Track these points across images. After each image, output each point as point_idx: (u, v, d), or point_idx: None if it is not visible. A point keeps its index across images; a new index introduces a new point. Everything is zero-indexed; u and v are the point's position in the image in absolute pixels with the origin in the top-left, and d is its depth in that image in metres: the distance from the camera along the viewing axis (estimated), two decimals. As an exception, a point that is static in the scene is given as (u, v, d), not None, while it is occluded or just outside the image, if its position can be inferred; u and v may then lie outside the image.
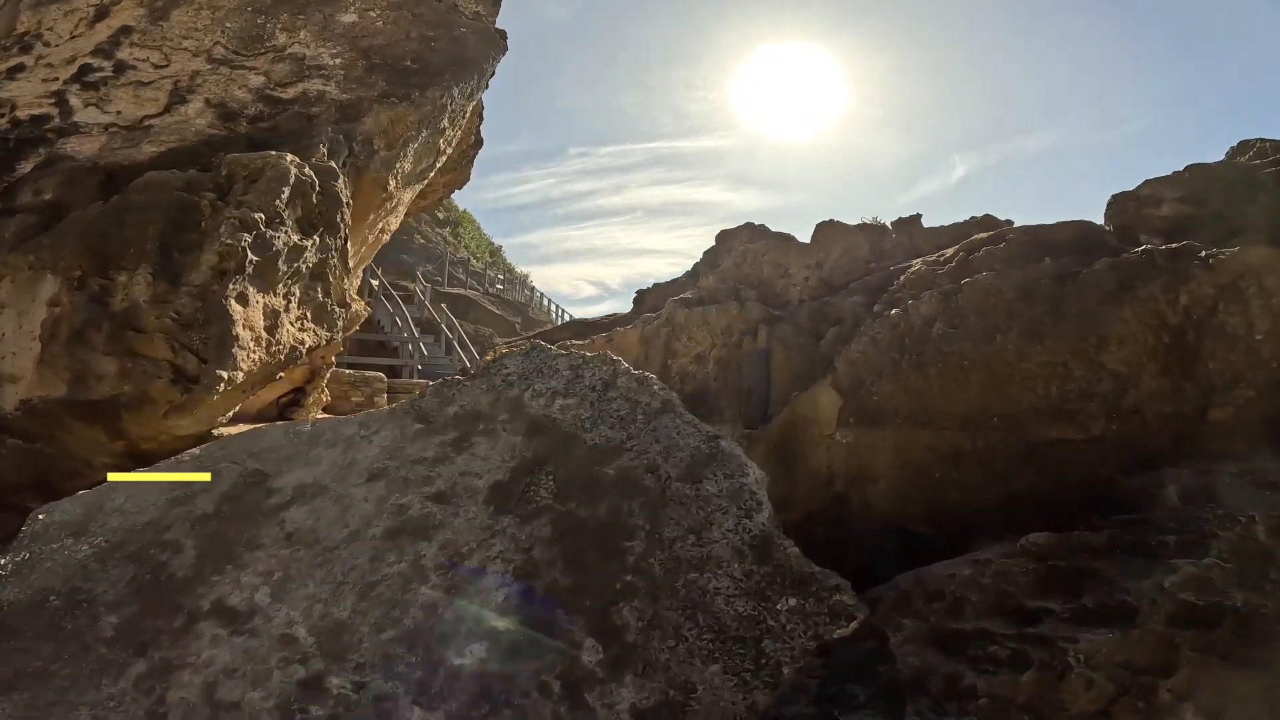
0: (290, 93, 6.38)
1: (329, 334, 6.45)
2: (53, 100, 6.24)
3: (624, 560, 2.82)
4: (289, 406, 7.95)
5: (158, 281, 4.52)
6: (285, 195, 4.82)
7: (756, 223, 6.18)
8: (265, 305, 5.19)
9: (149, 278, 4.52)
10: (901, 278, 4.27)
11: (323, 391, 8.31)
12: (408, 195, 7.91)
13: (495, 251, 28.97)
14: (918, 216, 5.86)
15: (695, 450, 3.34)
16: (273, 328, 5.29)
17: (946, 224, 5.85)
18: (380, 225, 8.02)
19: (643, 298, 7.62)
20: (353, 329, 11.34)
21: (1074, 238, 3.98)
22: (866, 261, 5.48)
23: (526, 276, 28.53)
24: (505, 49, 8.26)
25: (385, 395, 12.12)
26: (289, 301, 5.60)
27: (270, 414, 7.85)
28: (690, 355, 5.67)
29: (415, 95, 6.45)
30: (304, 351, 5.92)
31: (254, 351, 5.15)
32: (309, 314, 6.03)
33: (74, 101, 6.25)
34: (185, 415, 4.87)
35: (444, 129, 7.09)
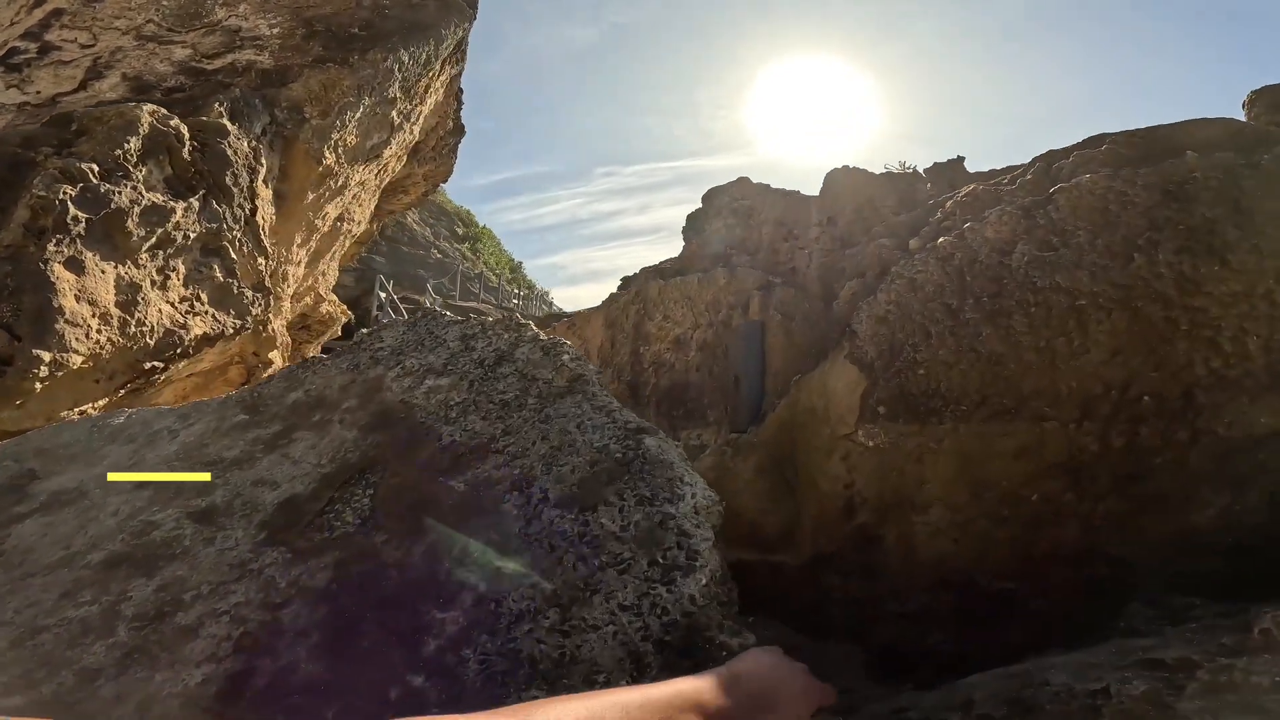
0: (216, 64, 5.43)
1: (237, 322, 5.35)
2: None
3: (417, 651, 1.47)
4: None
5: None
6: (131, 145, 3.75)
7: (756, 180, 4.87)
8: (117, 276, 4.09)
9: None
10: (947, 204, 2.87)
11: None
12: (361, 175, 6.85)
13: (515, 268, 28.37)
14: (959, 160, 4.44)
15: (600, 455, 2.00)
16: (129, 304, 4.18)
17: (1000, 168, 4.40)
18: (333, 211, 6.98)
19: (629, 283, 6.33)
20: (328, 333, 10.42)
21: (1214, 138, 2.52)
22: (893, 213, 4.08)
23: (546, 293, 27.73)
24: (473, 16, 7.24)
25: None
26: (165, 277, 4.50)
27: None
28: (667, 339, 4.32)
29: (354, 59, 5.43)
30: (189, 340, 4.79)
31: (97, 331, 4.02)
32: (203, 295, 4.93)
33: None
34: (6, 405, 3.74)
35: (394, 98, 6.04)
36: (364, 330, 3.40)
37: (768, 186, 4.89)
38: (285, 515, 2.08)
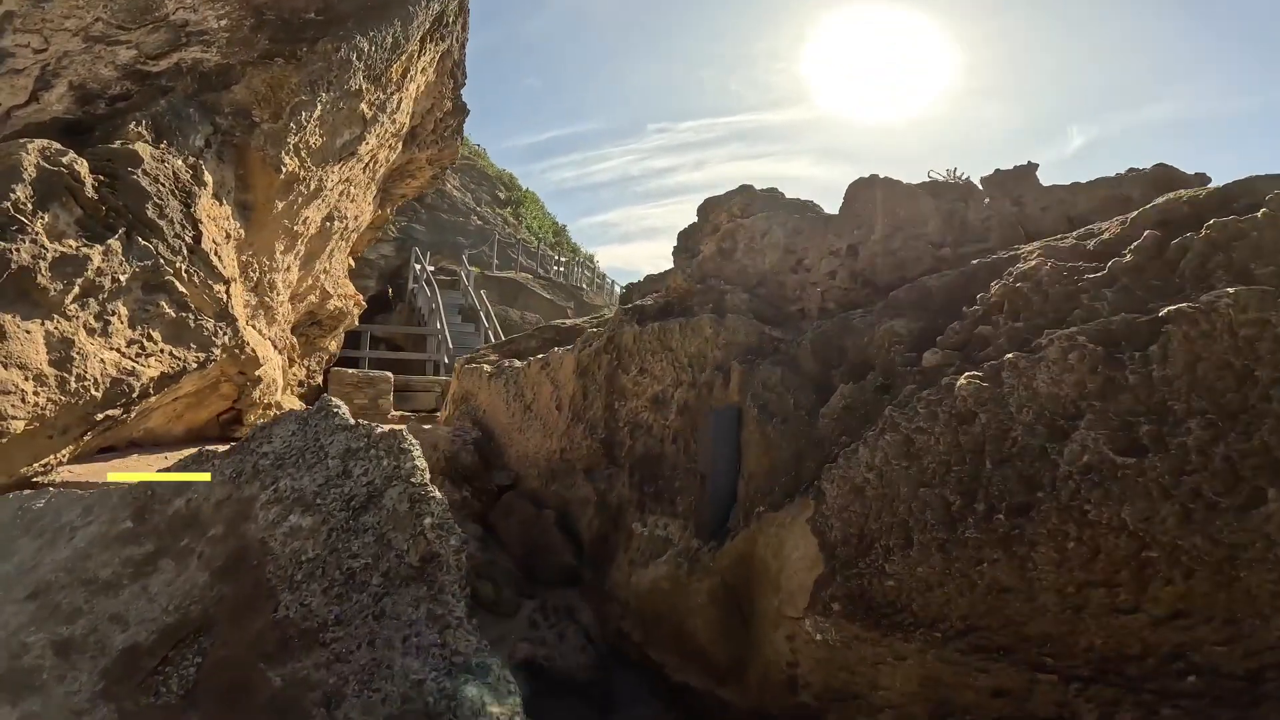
0: (161, 65, 4.88)
1: (200, 355, 4.99)
2: None
3: None
4: (231, 424, 6.73)
5: None
6: (18, 194, 3.28)
7: (762, 186, 3.97)
8: (46, 333, 3.71)
9: None
10: (996, 286, 1.99)
11: (268, 408, 6.99)
12: (340, 174, 6.28)
13: (559, 231, 27.61)
14: (1030, 169, 3.36)
15: (412, 693, 1.57)
16: (63, 360, 3.81)
17: (1083, 181, 3.32)
18: (315, 214, 6.48)
19: (629, 295, 5.58)
20: (341, 326, 10.14)
21: None
22: (936, 245, 3.16)
23: (591, 258, 26.93)
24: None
25: (391, 396, 10.90)
26: (105, 323, 4.12)
27: (211, 432, 6.66)
28: (644, 396, 3.66)
29: (301, 51, 4.75)
30: (143, 384, 4.45)
31: (34, 394, 3.70)
32: (154, 334, 4.55)
33: None
34: None
35: (359, 90, 5.36)
36: (260, 424, 2.90)
37: (776, 196, 4.01)
38: (124, 665, 1.98)
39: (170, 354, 4.70)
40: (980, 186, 3.60)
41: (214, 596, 2.16)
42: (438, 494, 2.10)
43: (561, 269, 22.68)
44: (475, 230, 23.04)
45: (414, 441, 2.40)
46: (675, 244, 4.18)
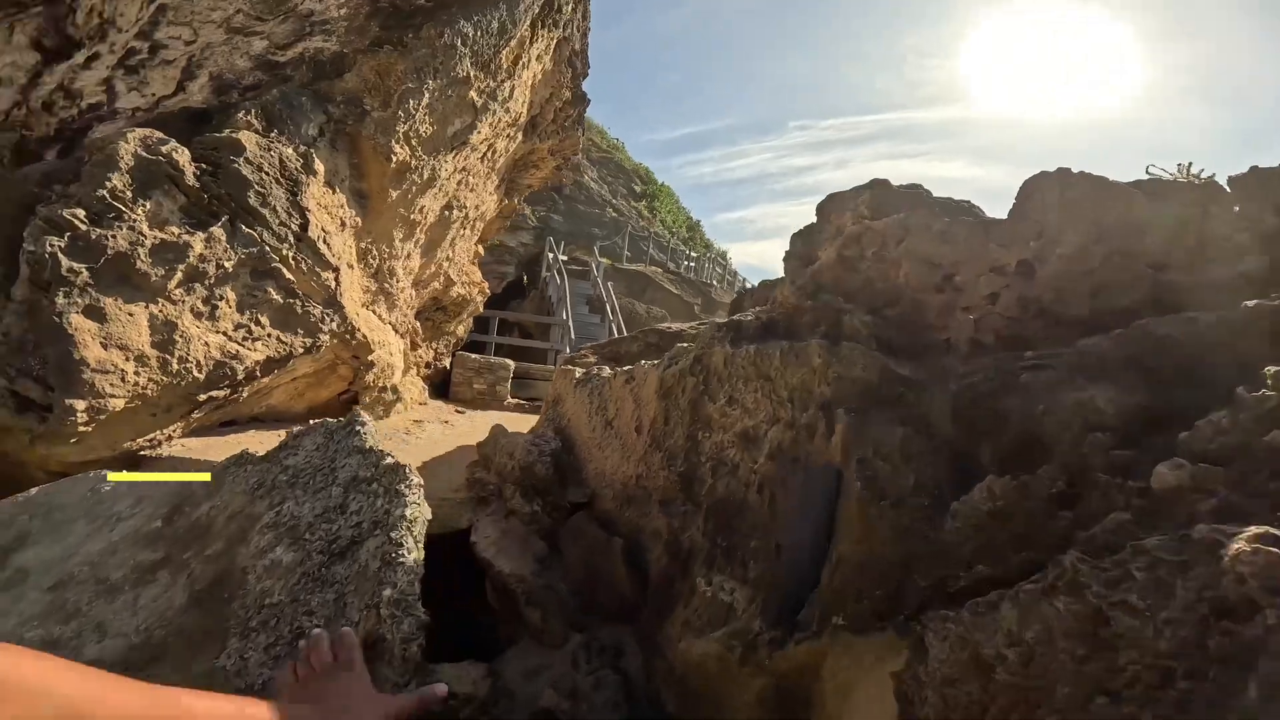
0: (287, 55, 5.01)
1: (307, 340, 5.08)
2: (104, 87, 5.73)
3: None
4: (350, 404, 7.02)
5: (-10, 294, 3.37)
6: (114, 182, 3.34)
7: (900, 183, 3.12)
8: (150, 316, 3.85)
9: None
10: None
11: (383, 390, 7.21)
12: (454, 163, 6.21)
13: (693, 227, 27.16)
14: None
15: None
16: (166, 343, 3.95)
17: None
18: (431, 203, 6.49)
19: (740, 302, 4.92)
20: (466, 311, 10.34)
21: None
22: (1157, 267, 2.20)
23: (724, 254, 26.19)
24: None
25: (509, 384, 11.06)
26: (213, 307, 4.24)
27: (333, 410, 6.99)
28: (732, 430, 3.06)
29: (408, 38, 4.62)
30: (247, 367, 4.57)
31: (135, 374, 3.86)
32: (262, 319, 4.66)
33: (119, 87, 5.64)
34: (59, 444, 3.76)
35: (466, 77, 5.18)
36: (294, 431, 2.67)
37: (920, 195, 3.17)
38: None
39: (278, 338, 4.83)
40: (1228, 189, 2.50)
41: (178, 625, 1.97)
42: (414, 556, 1.69)
43: (692, 265, 22.25)
44: (609, 222, 23.25)
45: (416, 482, 2.00)
46: (787, 248, 3.46)
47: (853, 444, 2.11)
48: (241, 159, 3.85)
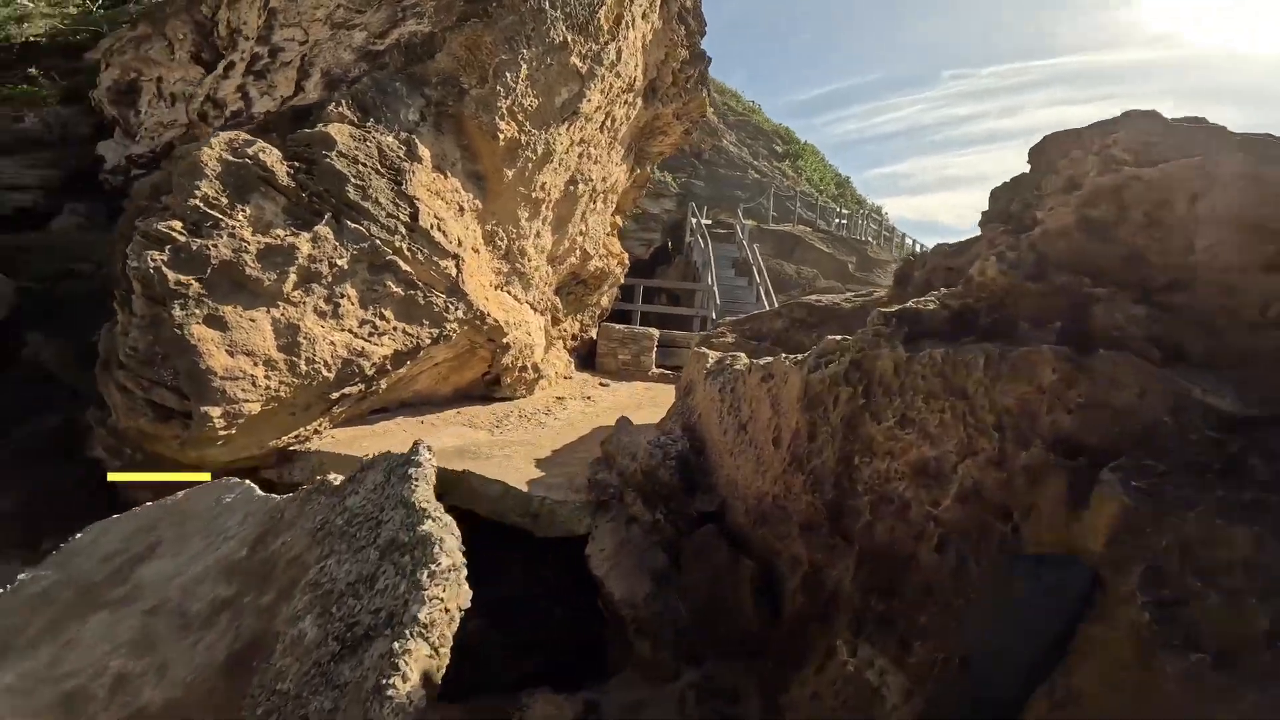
0: (385, 42, 4.84)
1: (434, 331, 4.95)
2: (240, 94, 6.06)
3: None
4: (493, 384, 7.04)
5: (123, 310, 3.53)
6: (204, 192, 3.25)
7: (1174, 116, 1.99)
8: (273, 320, 3.85)
9: (119, 307, 3.57)
10: None
11: (524, 370, 7.10)
12: (570, 135, 5.73)
13: (842, 183, 25.03)
14: None
15: None
16: (291, 346, 3.94)
17: None
18: (552, 179, 6.12)
19: (905, 274, 3.91)
20: (606, 284, 10.03)
21: None
22: None
23: (879, 209, 23.69)
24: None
25: (654, 354, 10.72)
26: (335, 305, 4.20)
27: (477, 390, 7.06)
28: (904, 459, 2.32)
29: (491, 7, 4.15)
30: (376, 362, 4.52)
31: (265, 378, 3.91)
32: (386, 313, 4.59)
33: (252, 92, 5.97)
34: (205, 447, 3.94)
35: (564, 42, 4.64)
36: (364, 462, 2.36)
37: (1219, 130, 2.10)
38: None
39: (404, 331, 4.76)
40: None
41: (208, 688, 1.86)
42: (409, 688, 1.23)
43: (844, 221, 20.48)
44: (752, 184, 22.13)
45: (445, 565, 1.54)
46: (985, 209, 2.48)
47: (1130, 538, 1.25)
48: (334, 153, 3.67)
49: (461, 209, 5.21)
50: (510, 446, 5.26)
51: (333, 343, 4.22)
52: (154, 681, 1.96)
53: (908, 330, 2.34)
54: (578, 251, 8.48)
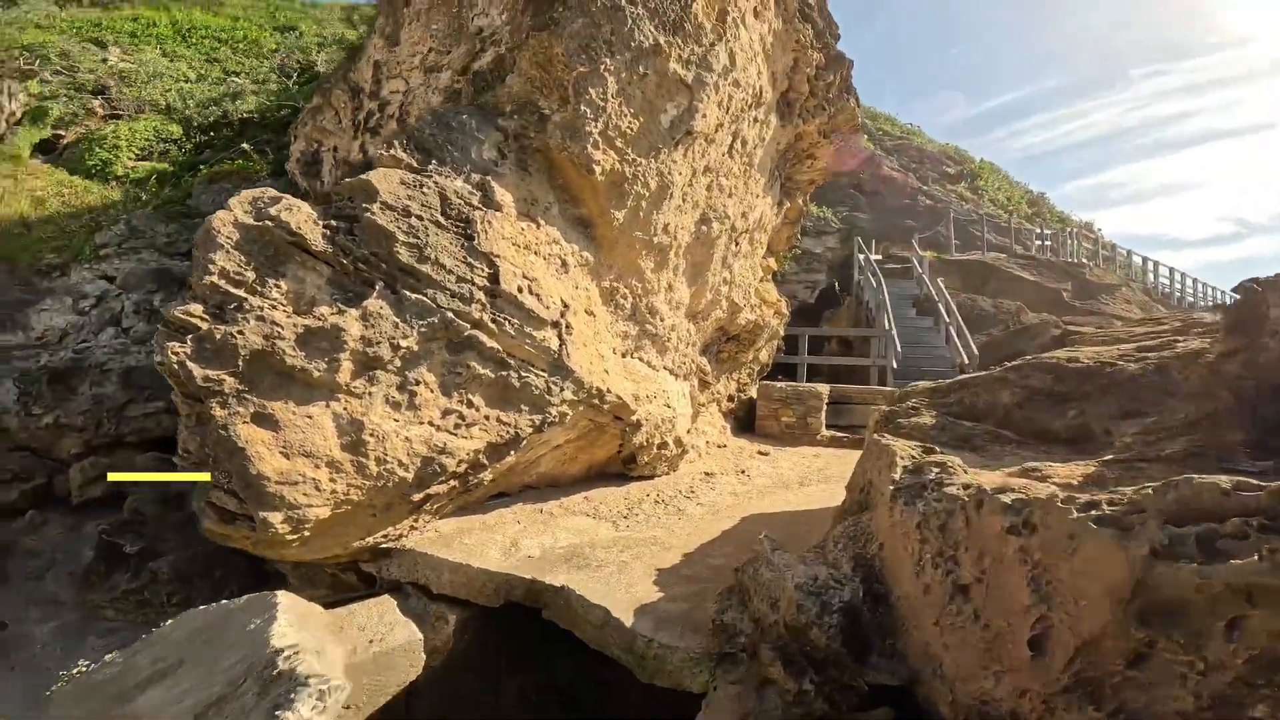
0: (464, 80, 4.29)
1: (535, 418, 4.10)
2: (361, 152, 5.98)
3: None
4: (629, 461, 6.12)
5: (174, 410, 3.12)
6: (219, 265, 2.71)
7: None
8: (334, 415, 3.24)
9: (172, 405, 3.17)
10: None
11: (664, 446, 6.07)
12: (687, 163, 4.75)
13: (1036, 200, 21.50)
14: None
15: None
16: (357, 444, 3.30)
17: None
18: (676, 219, 5.16)
19: (1256, 308, 2.21)
20: (762, 339, 8.70)
21: None
22: None
23: (1090, 225, 19.73)
24: None
25: (823, 414, 9.14)
26: (410, 394, 3.52)
27: (613, 468, 6.19)
28: None
29: (556, 10, 3.37)
30: (461, 459, 3.74)
31: (330, 480, 3.29)
32: (474, 399, 3.83)
33: (370, 149, 5.86)
34: (280, 549, 3.41)
35: (655, 45, 3.74)
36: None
37: None
38: None
39: (498, 420, 3.98)
40: None
41: None
42: None
43: (1046, 243, 17.29)
44: (924, 211, 19.78)
45: None
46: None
47: None
48: (376, 205, 3.00)
49: (564, 264, 4.41)
50: (634, 547, 4.18)
51: (408, 439, 3.53)
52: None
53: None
54: (724, 303, 7.36)
